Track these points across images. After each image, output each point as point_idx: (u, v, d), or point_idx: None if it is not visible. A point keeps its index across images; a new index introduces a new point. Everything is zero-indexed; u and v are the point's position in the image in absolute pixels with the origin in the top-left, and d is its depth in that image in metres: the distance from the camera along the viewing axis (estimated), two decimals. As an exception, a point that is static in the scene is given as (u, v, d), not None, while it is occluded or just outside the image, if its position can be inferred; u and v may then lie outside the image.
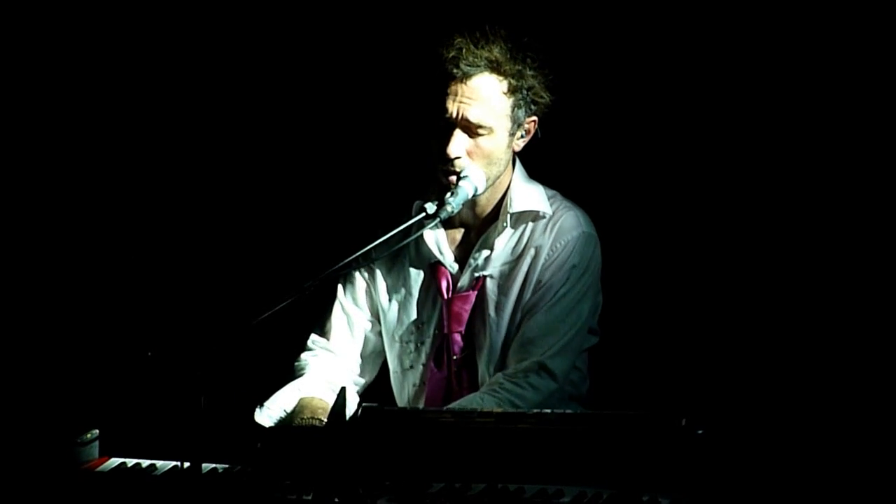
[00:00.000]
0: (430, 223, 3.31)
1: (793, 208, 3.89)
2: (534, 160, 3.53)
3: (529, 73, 3.34)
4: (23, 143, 4.34)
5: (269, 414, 3.34)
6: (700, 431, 2.68)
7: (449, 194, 3.31)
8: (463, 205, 3.34)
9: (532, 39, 3.37)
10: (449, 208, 3.30)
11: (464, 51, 3.30)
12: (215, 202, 4.38)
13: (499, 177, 3.40)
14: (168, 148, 4.37)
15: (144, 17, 4.30)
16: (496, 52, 3.31)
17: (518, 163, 3.49)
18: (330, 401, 3.35)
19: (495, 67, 3.32)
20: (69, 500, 2.89)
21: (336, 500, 2.73)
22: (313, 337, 3.56)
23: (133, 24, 4.30)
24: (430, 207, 3.30)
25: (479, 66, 3.30)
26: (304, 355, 3.54)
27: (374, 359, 3.58)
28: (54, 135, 4.36)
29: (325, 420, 3.24)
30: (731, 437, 3.39)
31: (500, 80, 3.33)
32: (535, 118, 3.41)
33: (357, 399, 3.46)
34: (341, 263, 3.19)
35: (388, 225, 3.31)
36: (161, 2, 4.30)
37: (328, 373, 3.49)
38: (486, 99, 3.32)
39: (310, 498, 2.75)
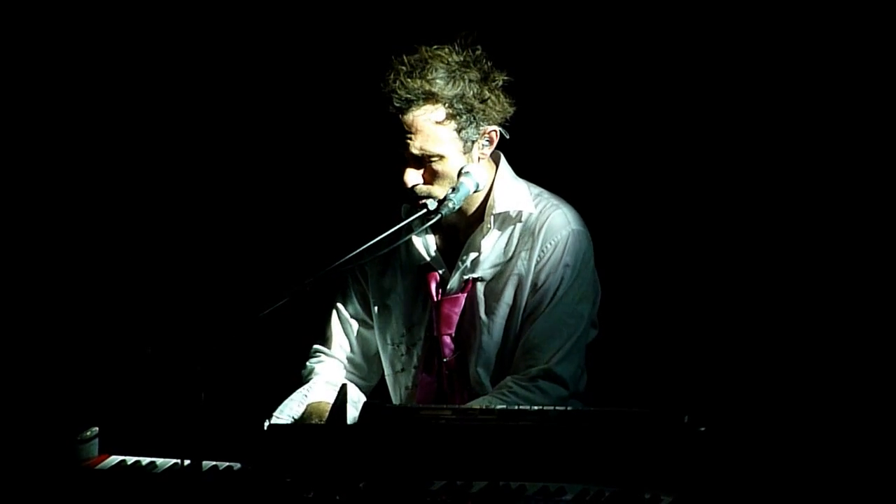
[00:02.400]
0: (430, 220, 3.29)
1: (791, 202, 3.89)
2: (525, 157, 3.51)
3: (471, 93, 3.26)
4: (23, 143, 4.34)
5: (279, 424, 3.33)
6: (702, 429, 2.67)
7: (451, 190, 3.30)
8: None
9: (476, 49, 3.29)
10: (451, 205, 3.28)
11: (398, 83, 3.24)
12: (214, 200, 4.37)
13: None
14: (168, 146, 4.36)
15: (144, 17, 4.29)
16: (432, 80, 3.24)
17: (503, 161, 3.45)
18: None
19: (430, 97, 3.25)
20: (69, 497, 2.89)
21: (337, 497, 2.72)
22: (315, 346, 3.56)
23: (133, 24, 4.29)
24: (432, 204, 3.28)
25: (411, 101, 3.24)
26: (309, 363, 3.55)
27: (377, 360, 3.57)
28: (54, 135, 4.35)
29: None
30: (733, 434, 3.39)
31: (436, 109, 3.26)
32: (493, 128, 3.33)
33: (362, 398, 3.46)
34: (339, 262, 3.18)
35: (384, 224, 3.30)
36: (161, 2, 4.29)
37: (334, 377, 3.48)
38: (426, 131, 3.27)
39: (311, 496, 2.74)
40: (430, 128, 3.27)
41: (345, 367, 3.55)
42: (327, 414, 3.27)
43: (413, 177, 3.30)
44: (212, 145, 4.36)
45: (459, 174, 3.31)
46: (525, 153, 3.51)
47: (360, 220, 3.55)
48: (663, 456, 2.67)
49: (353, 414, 3.30)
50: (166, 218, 4.38)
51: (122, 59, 4.32)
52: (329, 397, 3.37)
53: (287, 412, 3.36)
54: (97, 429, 3.04)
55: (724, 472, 2.75)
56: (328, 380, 3.48)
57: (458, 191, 3.30)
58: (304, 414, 3.34)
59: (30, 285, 4.35)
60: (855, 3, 3.77)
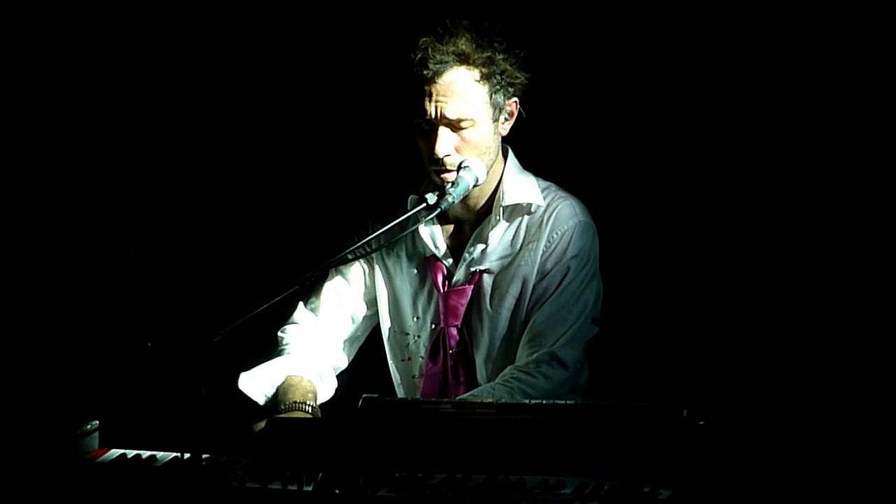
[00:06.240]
0: (430, 214, 3.29)
1: (793, 198, 3.89)
2: (531, 151, 3.52)
3: (500, 56, 3.32)
4: (22, 141, 4.34)
5: (255, 385, 3.30)
6: (701, 422, 2.68)
7: (450, 185, 3.31)
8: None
9: (495, 22, 3.35)
10: (450, 199, 3.28)
11: (430, 50, 3.28)
12: (214, 194, 4.38)
13: (491, 167, 3.39)
14: (166, 140, 4.37)
15: (144, 17, 4.29)
16: (462, 44, 3.29)
17: (511, 155, 3.48)
18: (316, 383, 3.35)
19: (464, 59, 3.30)
20: (70, 491, 2.89)
21: (337, 491, 2.73)
22: (300, 310, 3.52)
23: (133, 24, 4.30)
24: (431, 198, 3.29)
25: (447, 62, 3.28)
26: (288, 328, 3.51)
27: (354, 343, 3.56)
28: (54, 133, 4.35)
29: (314, 405, 3.25)
30: (732, 427, 3.40)
31: (471, 70, 3.31)
32: (515, 99, 3.39)
33: (335, 383, 3.45)
34: (341, 255, 3.19)
35: (387, 217, 3.30)
36: (161, 2, 4.30)
37: (312, 352, 3.45)
38: (461, 92, 3.30)
39: (311, 489, 2.75)
40: (466, 89, 3.30)
41: (323, 341, 3.50)
42: (309, 394, 3.27)
43: (444, 145, 3.31)
44: (211, 140, 4.36)
45: (460, 168, 3.33)
46: (529, 149, 3.52)
47: (362, 211, 3.56)
48: (662, 449, 2.67)
49: (326, 391, 3.37)
50: (166, 212, 4.38)
51: (123, 59, 4.32)
52: (309, 374, 3.35)
53: (267, 379, 3.31)
54: (97, 422, 3.05)
55: (723, 465, 2.75)
56: (307, 353, 3.44)
57: (458, 185, 3.31)
58: (283, 386, 3.29)
59: (30, 280, 4.35)
60: (855, 3, 3.77)
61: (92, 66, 4.32)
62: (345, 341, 3.55)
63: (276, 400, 3.27)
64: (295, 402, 3.24)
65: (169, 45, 4.32)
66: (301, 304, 3.53)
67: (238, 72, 4.31)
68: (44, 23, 4.30)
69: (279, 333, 3.50)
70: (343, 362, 3.55)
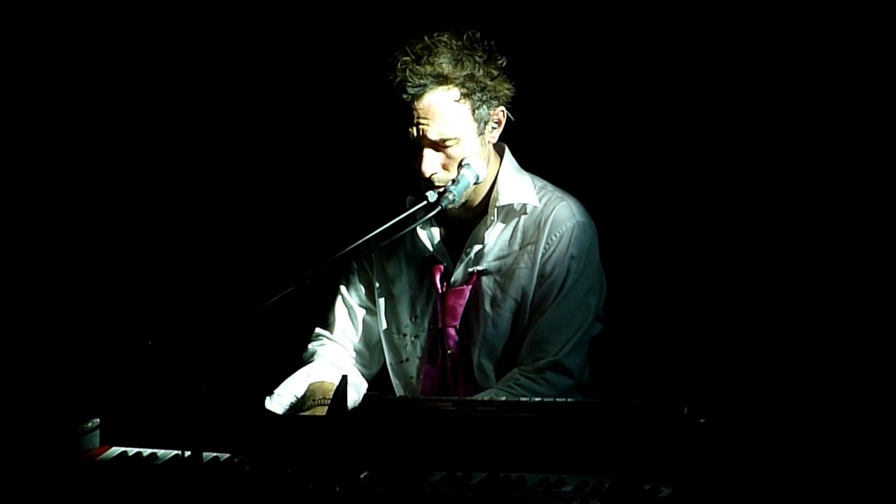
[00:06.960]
0: (430, 213, 3.29)
1: (791, 195, 3.89)
2: (531, 149, 3.52)
3: (479, 73, 3.28)
4: (23, 141, 4.34)
5: (279, 401, 3.34)
6: (702, 420, 2.68)
7: (451, 183, 3.30)
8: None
9: (475, 33, 3.31)
10: (451, 196, 3.28)
11: (408, 72, 3.24)
12: (215, 192, 4.38)
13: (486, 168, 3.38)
14: (167, 137, 4.37)
15: (145, 17, 4.29)
16: (440, 64, 3.25)
17: (507, 154, 3.46)
18: None
19: (442, 80, 3.26)
20: (70, 488, 2.89)
21: (337, 489, 2.73)
22: (318, 331, 3.57)
23: (133, 25, 4.30)
24: (432, 196, 3.28)
25: (425, 84, 3.25)
26: (311, 346, 3.56)
27: (379, 349, 3.58)
28: (54, 132, 4.35)
29: None
30: (733, 425, 3.40)
31: (451, 90, 3.27)
32: (501, 108, 3.35)
33: (366, 387, 3.47)
34: (341, 253, 3.19)
35: (386, 216, 3.30)
36: (161, 2, 4.30)
37: (336, 359, 3.49)
38: (442, 114, 3.27)
39: (311, 487, 2.75)
40: (447, 110, 3.27)
41: (346, 352, 3.55)
42: (330, 393, 3.28)
43: (430, 165, 3.29)
44: (211, 137, 4.36)
45: (460, 166, 3.32)
46: (529, 146, 3.51)
47: (361, 210, 3.56)
48: (663, 447, 2.67)
49: (354, 397, 3.33)
50: (166, 209, 4.38)
51: (123, 59, 4.32)
52: (332, 377, 3.38)
53: (289, 390, 3.36)
54: (98, 420, 3.05)
55: (724, 463, 2.75)
56: (331, 361, 3.48)
57: (458, 183, 3.30)
58: (306, 392, 3.34)
59: (31, 278, 4.35)
60: (855, 3, 3.77)
61: (92, 66, 4.32)
62: (370, 348, 3.57)
63: (301, 407, 3.29)
64: (314, 402, 3.26)
65: (170, 46, 4.32)
66: (317, 327, 3.57)
67: (239, 71, 4.31)
68: (44, 23, 4.30)
69: (303, 354, 3.54)
70: (372, 367, 3.59)
